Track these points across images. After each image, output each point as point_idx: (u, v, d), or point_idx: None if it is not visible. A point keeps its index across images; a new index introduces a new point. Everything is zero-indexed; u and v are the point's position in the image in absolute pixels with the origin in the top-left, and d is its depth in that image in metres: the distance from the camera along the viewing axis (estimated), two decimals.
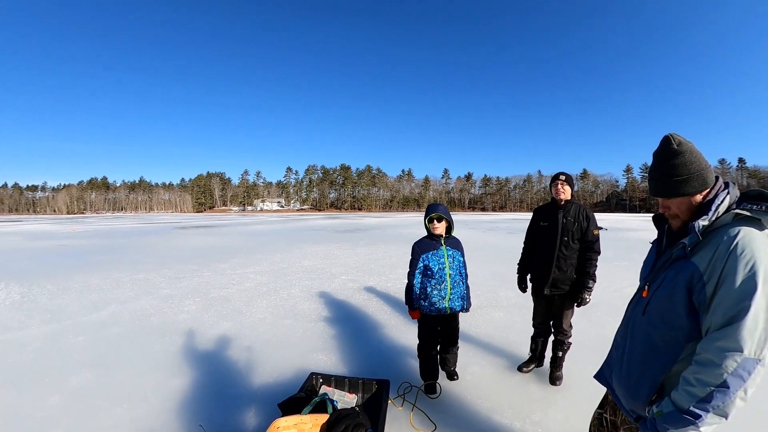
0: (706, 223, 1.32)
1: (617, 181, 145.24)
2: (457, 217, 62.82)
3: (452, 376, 3.58)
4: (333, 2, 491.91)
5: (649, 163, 1.51)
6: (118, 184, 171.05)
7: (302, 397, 2.74)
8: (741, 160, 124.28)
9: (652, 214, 1.67)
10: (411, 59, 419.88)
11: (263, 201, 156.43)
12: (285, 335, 4.79)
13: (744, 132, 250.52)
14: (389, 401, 3.08)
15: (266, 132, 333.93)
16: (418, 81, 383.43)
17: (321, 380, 3.13)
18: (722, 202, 1.34)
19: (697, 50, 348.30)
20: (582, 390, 3.36)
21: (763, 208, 1.26)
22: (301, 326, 5.11)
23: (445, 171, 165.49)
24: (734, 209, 1.30)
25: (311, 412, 2.53)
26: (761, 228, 1.26)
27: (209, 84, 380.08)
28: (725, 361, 1.17)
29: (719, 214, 1.33)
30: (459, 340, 3.60)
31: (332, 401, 2.73)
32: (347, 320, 5.41)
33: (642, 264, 1.69)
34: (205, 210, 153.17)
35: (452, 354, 3.54)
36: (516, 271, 3.93)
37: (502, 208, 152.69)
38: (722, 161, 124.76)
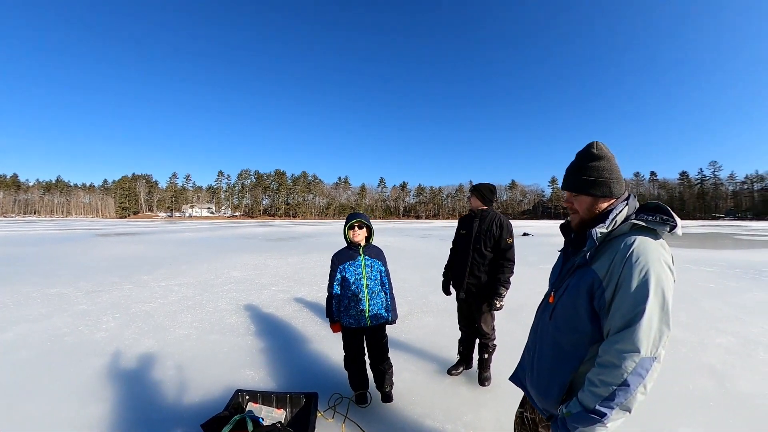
0: (604, 230, 1.41)
1: (543, 191, 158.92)
2: (392, 224, 63.68)
3: (386, 398, 3.36)
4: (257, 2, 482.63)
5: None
6: (30, 183, 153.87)
7: (226, 415, 2.60)
8: (653, 173, 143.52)
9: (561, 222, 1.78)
10: (348, 66, 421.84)
11: (192, 207, 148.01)
12: (211, 351, 4.53)
13: (656, 148, 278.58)
14: (319, 414, 3.02)
15: (197, 133, 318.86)
16: (357, 89, 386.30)
17: (247, 397, 2.99)
18: (621, 212, 1.44)
19: (618, 73, 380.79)
20: (510, 389, 3.44)
21: (658, 219, 1.37)
22: (228, 341, 4.87)
23: (381, 180, 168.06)
24: (632, 219, 1.40)
25: (231, 431, 2.41)
26: (656, 237, 1.37)
27: (136, 77, 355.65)
28: (625, 362, 1.27)
29: (617, 224, 1.43)
30: (391, 349, 3.52)
31: (257, 418, 2.61)
32: (276, 333, 5.23)
33: (551, 271, 1.78)
34: (129, 215, 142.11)
35: (383, 372, 3.34)
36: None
37: (435, 216, 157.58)
38: (636, 174, 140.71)
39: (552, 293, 1.63)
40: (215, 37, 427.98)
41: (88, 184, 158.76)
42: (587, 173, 1.50)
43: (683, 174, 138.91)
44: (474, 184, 3.75)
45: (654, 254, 1.31)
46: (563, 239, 1.74)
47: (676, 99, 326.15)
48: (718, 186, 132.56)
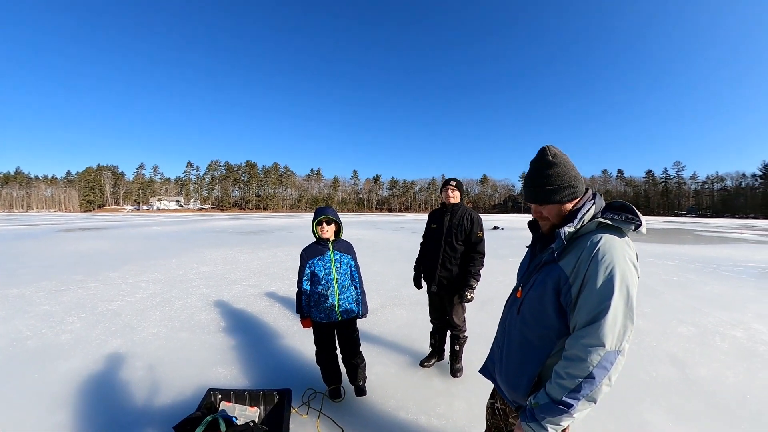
0: (571, 230, 1.43)
1: (513, 186, 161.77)
2: (364, 217, 63.68)
3: (360, 392, 3.37)
4: None
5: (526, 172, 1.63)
6: None
7: (199, 416, 2.53)
8: (620, 171, 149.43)
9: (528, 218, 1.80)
10: (321, 56, 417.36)
11: (160, 199, 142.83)
12: (181, 350, 4.41)
13: (622, 146, 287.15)
14: (293, 410, 2.98)
15: (165, 122, 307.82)
16: (330, 80, 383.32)
17: (220, 396, 2.92)
18: (588, 211, 1.46)
19: (589, 72, 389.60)
20: (482, 380, 3.49)
21: (623, 218, 1.40)
22: (198, 339, 4.74)
23: (354, 172, 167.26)
24: (598, 218, 1.42)
25: None
26: (621, 235, 1.40)
27: (100, 61, 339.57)
28: (590, 356, 1.30)
29: (584, 222, 1.44)
30: (363, 343, 3.50)
31: (230, 417, 2.56)
32: (248, 329, 5.14)
33: (519, 266, 1.80)
34: (94, 209, 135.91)
35: (355, 366, 3.36)
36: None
37: (408, 209, 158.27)
38: (604, 171, 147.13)
39: (520, 288, 1.65)
40: (184, 23, 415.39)
41: (49, 176, 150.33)
42: (548, 182, 1.51)
43: (649, 173, 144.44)
44: (447, 178, 3.78)
45: (619, 252, 1.34)
46: (531, 235, 1.77)
47: (643, 99, 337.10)
48: (681, 185, 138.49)
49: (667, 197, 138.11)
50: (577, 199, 1.53)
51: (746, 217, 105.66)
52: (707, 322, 5.54)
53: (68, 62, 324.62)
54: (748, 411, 3.20)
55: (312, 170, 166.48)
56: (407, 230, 26.74)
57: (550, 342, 1.47)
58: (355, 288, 3.33)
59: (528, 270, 1.65)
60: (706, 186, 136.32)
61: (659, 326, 5.33)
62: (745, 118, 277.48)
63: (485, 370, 1.84)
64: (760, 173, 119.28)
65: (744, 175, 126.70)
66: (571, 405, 1.32)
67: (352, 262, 3.33)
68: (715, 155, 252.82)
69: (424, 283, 3.97)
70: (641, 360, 4.19)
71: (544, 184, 1.51)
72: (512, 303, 1.68)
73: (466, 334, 3.81)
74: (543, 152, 1.54)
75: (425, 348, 4.25)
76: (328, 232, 3.19)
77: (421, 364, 3.96)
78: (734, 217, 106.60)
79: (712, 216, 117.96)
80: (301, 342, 4.60)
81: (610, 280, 1.30)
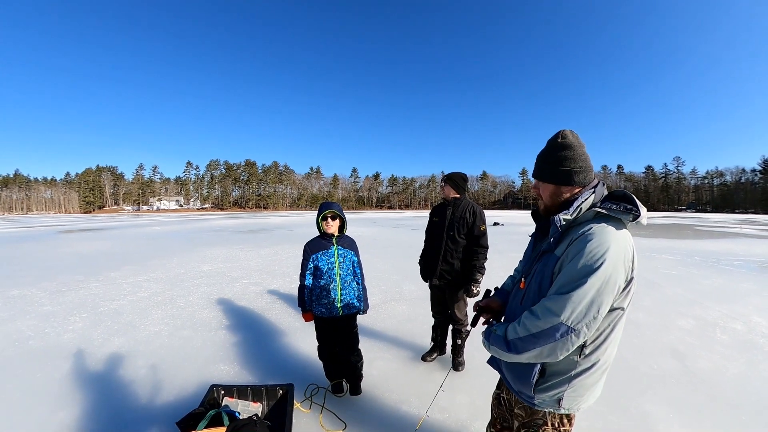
0: (568, 217, 1.44)
1: (513, 182, 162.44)
2: (365, 215, 63.67)
3: (355, 391, 3.35)
4: None
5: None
6: None
7: (202, 411, 2.54)
8: (620, 167, 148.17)
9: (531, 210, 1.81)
10: (320, 55, 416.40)
11: (160, 199, 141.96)
12: (183, 347, 4.42)
13: (622, 142, 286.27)
14: (296, 405, 3.00)
15: (164, 122, 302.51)
16: (330, 78, 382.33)
17: (222, 392, 2.93)
18: (586, 200, 1.45)
19: (592, 67, 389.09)
20: (484, 373, 3.52)
21: (621, 208, 1.39)
22: (200, 336, 4.76)
23: (354, 170, 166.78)
24: (596, 208, 1.42)
25: (207, 426, 2.36)
26: (619, 227, 1.40)
27: (98, 62, 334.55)
28: (544, 318, 1.36)
29: (582, 211, 1.45)
30: (364, 338, 3.51)
31: (233, 413, 2.57)
32: (249, 326, 5.16)
33: (522, 256, 1.83)
34: (94, 210, 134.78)
35: (353, 364, 3.32)
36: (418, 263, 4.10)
37: (408, 206, 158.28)
38: (604, 167, 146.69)
39: (522, 279, 1.66)
40: (181, 21, 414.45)
41: (49, 178, 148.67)
42: (549, 161, 1.54)
43: (648, 168, 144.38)
44: (446, 173, 3.79)
45: (610, 242, 1.33)
46: (534, 226, 1.77)
47: (644, 94, 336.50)
48: (681, 180, 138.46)
49: (666, 192, 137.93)
50: (576, 189, 1.52)
51: (746, 212, 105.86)
52: (707, 315, 5.57)
53: (65, 62, 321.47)
54: (749, 402, 3.22)
55: (311, 168, 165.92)
56: (407, 227, 26.77)
57: None
58: (357, 284, 3.33)
59: (530, 260, 1.67)
60: (706, 181, 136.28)
61: (660, 319, 5.35)
62: (745, 113, 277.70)
63: (493, 361, 1.85)
64: (760, 168, 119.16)
65: (744, 170, 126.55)
66: (511, 347, 1.45)
67: (355, 258, 3.33)
68: (714, 150, 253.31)
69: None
70: (642, 353, 4.21)
71: (546, 161, 1.56)
72: (516, 294, 1.69)
73: (468, 328, 3.81)
74: (557, 134, 1.57)
75: (426, 343, 4.26)
76: (333, 226, 3.18)
77: (423, 358, 3.98)
78: (734, 212, 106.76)
79: (711, 211, 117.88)
80: (303, 338, 4.62)
81: (591, 264, 1.31)
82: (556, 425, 1.59)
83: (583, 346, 1.43)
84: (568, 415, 1.58)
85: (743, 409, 3.12)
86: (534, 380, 1.52)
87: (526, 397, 1.59)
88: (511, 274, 2.06)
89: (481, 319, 1.96)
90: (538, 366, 1.50)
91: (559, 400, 1.52)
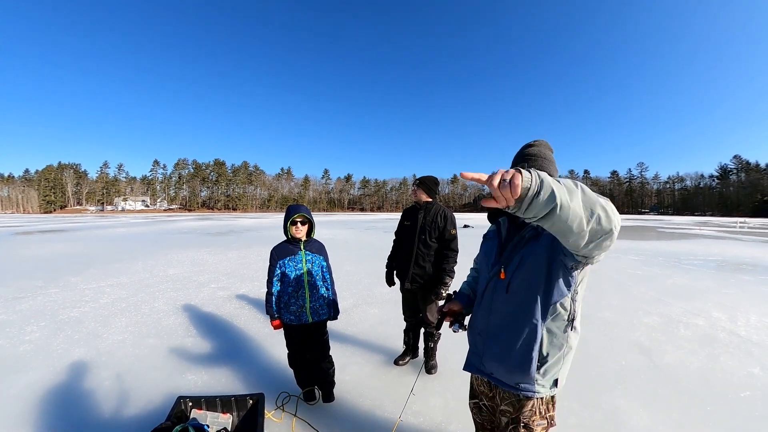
0: None
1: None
2: (336, 217, 63.44)
3: (327, 398, 3.26)
4: None
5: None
6: None
7: (169, 426, 2.41)
8: (586, 172, 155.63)
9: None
10: (293, 50, 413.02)
11: (125, 200, 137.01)
12: (149, 357, 4.22)
13: (589, 148, 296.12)
14: (268, 415, 2.90)
15: (131, 118, 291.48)
16: (300, 77, 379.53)
17: (190, 404, 2.79)
18: None
19: (560, 73, 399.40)
20: (457, 376, 3.55)
21: None
22: (166, 345, 4.56)
23: (326, 171, 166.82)
24: None
25: None
26: None
27: (60, 52, 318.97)
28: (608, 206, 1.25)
29: None
30: (335, 343, 3.43)
31: (201, 426, 2.46)
32: (217, 333, 4.99)
33: (480, 256, 1.89)
34: (55, 210, 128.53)
35: (324, 371, 3.24)
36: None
37: (379, 209, 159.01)
38: (571, 171, 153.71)
39: (502, 270, 1.64)
40: (148, 12, 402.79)
41: (6, 175, 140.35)
42: (518, 157, 1.71)
43: (614, 173, 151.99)
44: (418, 177, 3.78)
45: None
46: (489, 226, 1.88)
47: (608, 101, 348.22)
48: (645, 184, 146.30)
49: (631, 196, 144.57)
50: None
51: (704, 215, 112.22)
52: (671, 312, 5.81)
53: (21, 47, 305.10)
54: (711, 392, 3.40)
55: (282, 169, 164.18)
56: (379, 229, 26.81)
57: (545, 306, 1.51)
58: (327, 290, 3.24)
59: (504, 252, 1.67)
60: (668, 186, 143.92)
61: (626, 317, 5.52)
62: (704, 121, 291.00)
63: (470, 366, 1.81)
64: (717, 174, 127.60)
65: (702, 175, 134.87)
66: (554, 193, 1.08)
67: (324, 263, 3.24)
68: (675, 156, 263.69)
69: (396, 281, 3.95)
70: (611, 349, 4.33)
71: (516, 158, 1.72)
72: (495, 286, 1.67)
73: (439, 331, 3.80)
74: (535, 140, 1.75)
75: (399, 346, 4.22)
76: (302, 231, 3.08)
77: (396, 362, 3.94)
78: (693, 215, 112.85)
79: (673, 214, 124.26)
80: (273, 345, 4.49)
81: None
82: (543, 412, 1.62)
83: (573, 320, 1.52)
84: (552, 398, 1.63)
85: (706, 398, 3.28)
86: (534, 366, 1.53)
87: (524, 388, 1.58)
88: (466, 279, 2.14)
89: (446, 322, 1.97)
90: (530, 345, 1.52)
91: (555, 381, 1.58)
